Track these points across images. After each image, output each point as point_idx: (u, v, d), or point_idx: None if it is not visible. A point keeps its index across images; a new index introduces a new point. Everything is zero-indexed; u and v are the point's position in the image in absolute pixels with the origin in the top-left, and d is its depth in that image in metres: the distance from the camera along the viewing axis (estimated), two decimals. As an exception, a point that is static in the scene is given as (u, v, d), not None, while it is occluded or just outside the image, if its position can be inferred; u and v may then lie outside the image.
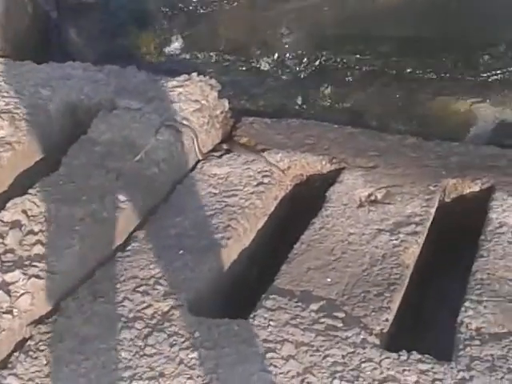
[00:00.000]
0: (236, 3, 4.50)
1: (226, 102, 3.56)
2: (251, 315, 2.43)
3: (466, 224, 3.08)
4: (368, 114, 3.92)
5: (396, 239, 2.78)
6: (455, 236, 3.10)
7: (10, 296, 2.39)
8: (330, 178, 3.25)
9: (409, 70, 4.07)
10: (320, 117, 3.82)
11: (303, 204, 3.28)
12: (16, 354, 2.30)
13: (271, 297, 2.50)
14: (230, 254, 2.82)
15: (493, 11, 4.09)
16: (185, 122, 3.29)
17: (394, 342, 2.39)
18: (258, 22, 4.50)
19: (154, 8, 4.50)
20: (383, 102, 3.99)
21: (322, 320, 2.40)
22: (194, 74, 3.57)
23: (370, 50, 4.14)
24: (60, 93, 3.49)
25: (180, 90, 3.44)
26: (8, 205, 2.81)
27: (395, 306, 2.50)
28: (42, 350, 2.31)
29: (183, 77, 3.55)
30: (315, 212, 3.06)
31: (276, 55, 4.34)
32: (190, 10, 4.57)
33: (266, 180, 3.16)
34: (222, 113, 3.52)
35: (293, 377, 2.20)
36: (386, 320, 2.41)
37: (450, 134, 3.70)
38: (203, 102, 3.42)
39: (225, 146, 3.33)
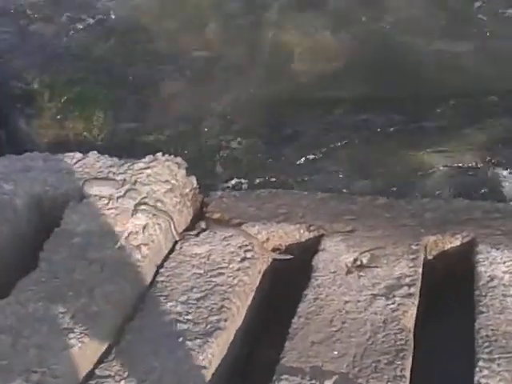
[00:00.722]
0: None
1: (193, 179, 3.53)
2: (267, 398, 2.37)
3: (450, 280, 3.11)
4: (331, 176, 3.94)
5: (393, 303, 2.78)
6: (440, 292, 3.11)
7: (15, 407, 2.26)
8: (310, 246, 3.23)
9: (364, 129, 4.10)
10: (285, 185, 3.81)
11: (286, 275, 3.25)
12: None
13: (283, 377, 2.44)
14: (229, 336, 2.77)
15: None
16: (159, 204, 3.23)
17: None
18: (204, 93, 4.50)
19: (100, 89, 4.45)
20: (342, 163, 4.01)
21: (341, 396, 2.35)
22: (159, 154, 3.54)
23: (325, 109, 4.18)
24: (23, 186, 3.40)
25: (148, 171, 3.39)
26: (-7, 309, 2.69)
27: (408, 373, 2.47)
28: None
29: (148, 158, 3.51)
30: (300, 282, 3.03)
31: (227, 124, 4.33)
32: (138, 87, 4.54)
33: (248, 255, 3.13)
34: (191, 190, 3.50)
35: None
36: (404, 388, 2.38)
37: (414, 190, 3.75)
38: (173, 181, 3.39)
39: (202, 225, 3.28)
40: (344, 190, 3.69)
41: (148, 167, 3.44)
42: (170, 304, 2.84)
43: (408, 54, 4.37)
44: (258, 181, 3.91)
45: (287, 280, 3.24)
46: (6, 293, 2.81)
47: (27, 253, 3.17)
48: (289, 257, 3.17)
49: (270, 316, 3.15)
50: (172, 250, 3.20)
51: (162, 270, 3.05)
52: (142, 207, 3.18)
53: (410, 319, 2.71)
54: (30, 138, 4.31)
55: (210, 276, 2.99)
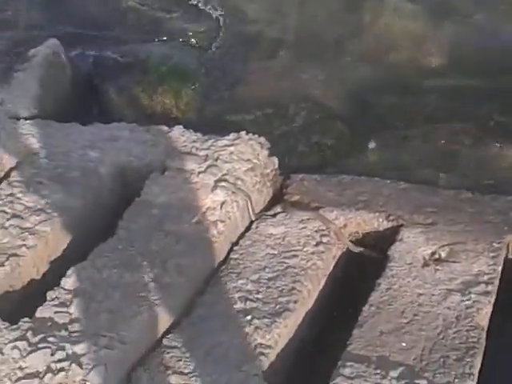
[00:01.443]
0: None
1: (275, 160, 3.52)
2: (331, 383, 2.34)
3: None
4: (417, 167, 3.85)
5: (468, 299, 2.71)
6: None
7: (82, 368, 2.31)
8: (387, 236, 3.18)
9: (453, 121, 3.99)
10: (368, 172, 3.75)
11: (361, 263, 3.21)
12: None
13: (348, 364, 2.42)
14: (298, 317, 2.75)
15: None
16: (238, 183, 3.23)
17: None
18: (295, 77, 4.46)
19: (193, 65, 4.47)
20: (430, 155, 3.92)
21: (406, 388, 2.31)
22: (243, 133, 3.53)
23: (412, 101, 4.09)
24: (109, 155, 3.45)
25: (231, 149, 3.39)
26: (69, 272, 2.75)
27: (477, 371, 2.41)
28: (120, 425, 2.22)
29: (232, 135, 3.51)
30: (375, 271, 2.99)
31: (314, 108, 4.29)
32: (228, 67, 4.54)
33: (324, 239, 3.10)
34: (272, 171, 3.48)
35: None
36: (471, 387, 2.32)
37: (502, 187, 3.63)
38: (255, 160, 3.38)
39: (279, 209, 3.26)
40: (428, 182, 3.57)
41: (231, 145, 3.44)
42: (241, 282, 2.84)
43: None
44: (341, 166, 3.83)
45: (362, 268, 3.20)
46: (86, 258, 2.86)
47: (108, 220, 3.22)
48: (360, 250, 3.12)
49: (342, 303, 3.11)
50: (248, 229, 3.20)
51: (236, 248, 3.06)
52: (222, 184, 3.19)
53: (484, 317, 2.64)
54: (119, 109, 4.37)
55: (284, 257, 2.98)
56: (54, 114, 4.01)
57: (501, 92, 3.99)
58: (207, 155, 3.37)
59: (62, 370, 2.29)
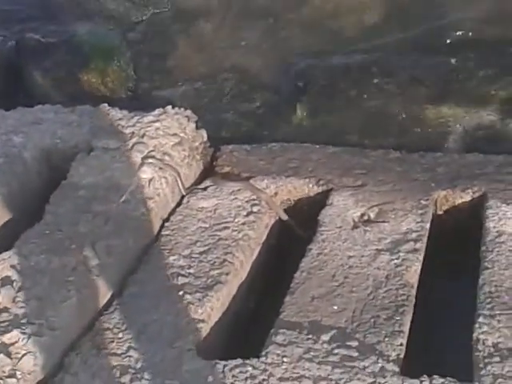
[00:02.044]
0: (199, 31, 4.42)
1: (204, 133, 3.50)
2: (263, 352, 2.35)
3: (460, 235, 3.06)
4: (346, 131, 3.86)
5: (397, 258, 2.74)
6: (450, 249, 3.06)
7: (11, 358, 2.28)
8: (319, 201, 3.19)
9: (376, 81, 4.00)
10: (298, 138, 3.75)
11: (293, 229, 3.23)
12: (25, 419, 2.19)
13: (280, 331, 2.43)
14: (231, 289, 2.76)
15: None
16: (166, 158, 3.20)
17: (410, 366, 2.33)
18: (219, 48, 4.42)
19: (117, 42, 4.40)
20: (356, 117, 3.93)
21: (336, 351, 2.34)
22: (169, 107, 3.50)
23: (346, 60, 4.09)
24: (33, 138, 3.40)
25: (157, 124, 3.36)
26: (-5, 260, 2.70)
27: (407, 328, 2.44)
28: (52, 412, 2.21)
29: (158, 111, 3.48)
30: (308, 237, 3.00)
31: (241, 78, 4.26)
32: (152, 40, 4.48)
33: (255, 209, 3.10)
34: (201, 144, 3.47)
35: (315, 415, 2.12)
36: (401, 345, 2.36)
37: (428, 144, 3.66)
38: (182, 134, 3.36)
39: (209, 182, 3.25)
40: (357, 145, 3.59)
41: (157, 120, 3.41)
42: (172, 258, 2.83)
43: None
44: (271, 135, 3.82)
45: (295, 235, 3.21)
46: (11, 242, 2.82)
47: (37, 206, 3.17)
48: (285, 218, 3.13)
49: (277, 271, 3.12)
50: (179, 204, 3.17)
51: (167, 224, 3.04)
52: (149, 160, 3.16)
53: (413, 275, 2.67)
54: (45, 92, 4.30)
55: (215, 230, 2.98)
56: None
57: (430, 50, 4.00)
58: (133, 132, 3.34)
59: (-10, 361, 2.25)
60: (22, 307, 2.49)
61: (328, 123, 3.93)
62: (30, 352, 2.31)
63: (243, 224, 3.00)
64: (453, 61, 3.92)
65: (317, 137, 3.76)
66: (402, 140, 3.77)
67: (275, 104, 4.07)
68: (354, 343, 2.36)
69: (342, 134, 3.84)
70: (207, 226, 3.01)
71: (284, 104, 4.02)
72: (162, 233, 2.98)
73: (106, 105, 3.60)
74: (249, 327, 2.90)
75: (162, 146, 3.26)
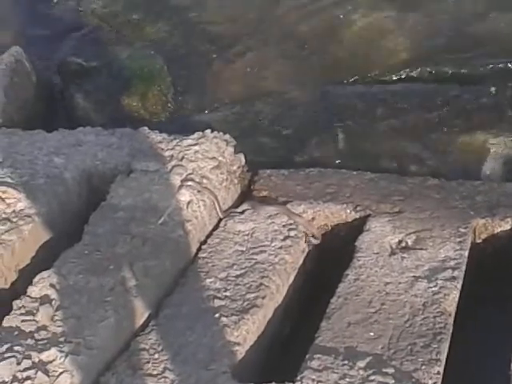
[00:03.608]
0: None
1: (242, 157, 3.52)
2: (298, 377, 2.35)
3: (499, 264, 3.03)
4: (383, 157, 3.86)
5: (434, 286, 2.72)
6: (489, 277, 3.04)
7: (48, 376, 2.30)
8: (356, 226, 3.18)
9: (414, 109, 4.00)
10: (335, 163, 3.77)
11: (330, 254, 3.22)
12: None
13: (316, 356, 2.42)
14: (266, 313, 2.76)
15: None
16: (204, 181, 3.23)
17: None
18: (261, 73, 4.46)
19: (158, 66, 4.46)
20: (394, 144, 3.93)
21: (372, 377, 2.33)
22: (208, 131, 3.53)
23: (376, 91, 4.10)
24: (74, 160, 3.44)
25: (196, 148, 3.39)
26: (35, 279, 2.74)
27: (444, 357, 2.42)
28: (89, 431, 2.21)
29: (197, 134, 3.50)
30: (344, 262, 3.00)
31: (279, 103, 4.29)
32: (192, 64, 4.53)
33: (292, 233, 3.10)
34: (239, 168, 3.48)
35: None
36: (438, 373, 2.34)
37: (466, 172, 3.65)
38: (220, 158, 3.38)
39: (247, 206, 3.26)
40: (394, 171, 3.58)
41: (196, 144, 3.44)
42: (209, 280, 2.84)
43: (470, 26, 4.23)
44: (308, 159, 3.83)
45: (333, 261, 3.21)
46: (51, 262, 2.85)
47: (76, 226, 3.21)
48: (316, 242, 3.13)
49: (314, 296, 3.11)
50: (216, 227, 3.19)
51: (204, 247, 3.05)
52: (188, 183, 3.18)
53: (451, 303, 2.65)
54: (85, 114, 4.35)
55: (252, 253, 2.98)
56: (19, 122, 4.01)
57: (463, 79, 4.00)
58: (172, 155, 3.37)
59: (28, 378, 2.28)
60: (59, 326, 2.52)
61: (365, 149, 3.93)
62: (67, 370, 2.33)
63: (280, 248, 3.01)
64: (492, 89, 3.90)
65: (354, 163, 3.75)
66: (440, 168, 3.75)
67: (312, 129, 4.08)
68: (391, 370, 2.35)
69: (378, 161, 3.84)
70: (244, 249, 3.02)
71: (321, 130, 4.03)
72: (199, 255, 3.00)
73: (145, 128, 3.64)
74: (283, 352, 2.88)
75: (201, 169, 3.28)
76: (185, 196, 3.13)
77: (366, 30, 4.48)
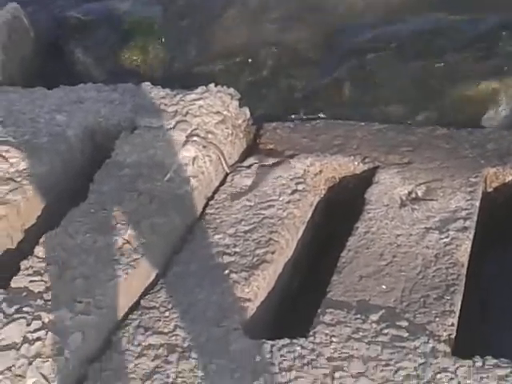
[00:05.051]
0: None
1: (247, 111, 3.46)
2: (310, 332, 2.32)
3: (510, 213, 2.99)
4: (390, 107, 3.79)
5: (446, 237, 2.68)
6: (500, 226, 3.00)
7: (59, 336, 2.27)
8: (365, 179, 3.14)
9: (424, 57, 3.92)
10: (341, 114, 3.70)
11: (338, 207, 3.18)
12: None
13: (328, 311, 2.39)
14: (277, 268, 2.72)
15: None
16: (209, 136, 3.17)
17: (461, 346, 2.28)
18: (261, 23, 4.36)
19: (158, 19, 4.37)
20: (401, 94, 3.86)
21: (386, 331, 2.30)
22: (212, 85, 3.46)
23: (380, 39, 4.01)
24: (76, 117, 3.38)
25: (200, 102, 3.32)
26: (41, 239, 2.70)
27: (457, 308, 2.39)
28: (101, 391, 2.20)
29: (201, 89, 3.44)
30: (353, 215, 2.96)
31: (284, 53, 4.20)
32: (193, 15, 4.44)
33: (300, 187, 3.05)
34: (244, 121, 3.42)
35: (367, 395, 2.09)
36: (452, 325, 2.31)
37: (472, 121, 3.59)
38: (225, 112, 3.32)
39: (252, 160, 3.21)
40: (402, 121, 3.52)
41: (200, 98, 3.37)
42: (217, 236, 2.80)
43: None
44: (313, 111, 3.77)
45: (341, 213, 3.17)
46: (56, 221, 2.81)
47: (81, 185, 3.17)
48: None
49: (322, 250, 3.08)
50: (223, 183, 3.14)
51: (211, 203, 3.01)
52: (193, 139, 3.12)
53: (463, 253, 2.61)
54: (85, 69, 4.28)
55: (260, 208, 2.94)
56: (19, 79, 3.93)
57: (473, 28, 3.91)
58: (176, 111, 3.31)
59: (38, 339, 2.26)
60: (68, 286, 2.48)
61: (371, 100, 3.85)
62: (78, 330, 2.29)
63: (288, 202, 2.96)
64: (502, 33, 3.82)
65: (360, 113, 3.69)
66: (448, 116, 3.68)
67: (318, 80, 4.00)
68: (404, 323, 2.32)
69: (385, 111, 3.77)
70: (252, 204, 2.97)
71: (327, 80, 3.95)
72: (207, 211, 2.96)
73: (148, 83, 3.57)
74: (293, 307, 2.86)
75: (205, 124, 3.22)
76: (190, 152, 3.08)
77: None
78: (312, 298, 2.62)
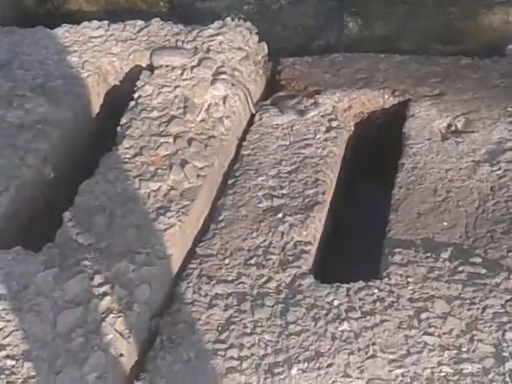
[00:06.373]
0: None
1: (265, 46, 3.34)
2: (383, 273, 2.26)
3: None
4: (400, 37, 3.69)
5: (498, 169, 2.63)
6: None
7: (126, 290, 2.16)
8: (396, 113, 3.06)
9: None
10: (352, 47, 3.59)
11: (370, 143, 3.11)
12: (151, 353, 2.09)
13: (396, 251, 2.33)
14: (326, 209, 2.64)
15: None
16: (236, 73, 3.04)
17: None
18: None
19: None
20: (417, 25, 3.75)
21: (461, 268, 2.25)
22: (229, 19, 3.33)
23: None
24: (88, 57, 3.20)
25: (220, 38, 3.19)
26: (81, 188, 2.57)
27: (526, 241, 2.35)
28: (179, 344, 2.10)
29: (217, 23, 3.30)
30: (388, 151, 2.89)
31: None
32: None
33: (334, 124, 2.96)
34: (262, 57, 3.30)
35: (458, 336, 2.04)
36: (526, 258, 2.27)
37: (493, 49, 3.51)
38: (246, 48, 3.19)
39: (278, 97, 3.09)
40: (419, 53, 3.43)
41: (218, 34, 3.24)
42: (261, 178, 2.70)
43: None
44: (327, 45, 3.65)
45: (373, 149, 3.10)
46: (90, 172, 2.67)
47: (100, 128, 3.03)
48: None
49: (359, 186, 3.01)
50: (251, 122, 3.03)
51: (245, 144, 2.90)
52: (221, 77, 2.99)
53: (518, 185, 2.57)
54: (78, 7, 4.06)
55: (298, 148, 2.84)
56: (13, 19, 3.70)
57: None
58: (196, 47, 3.16)
59: (105, 294, 2.14)
60: (121, 236, 2.36)
61: (384, 31, 3.75)
62: (144, 282, 2.19)
63: (326, 140, 2.87)
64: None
65: (372, 46, 3.58)
66: (465, 46, 3.60)
67: (325, 12, 3.87)
68: (478, 259, 2.27)
69: (397, 42, 3.67)
70: (288, 143, 2.87)
71: (338, 12, 3.82)
72: (243, 153, 2.85)
73: (158, 19, 3.41)
74: (339, 247, 2.80)
75: (229, 60, 3.10)
76: (220, 90, 2.96)
77: None
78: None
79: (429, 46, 3.65)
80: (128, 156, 2.68)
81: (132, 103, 2.94)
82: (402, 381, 1.95)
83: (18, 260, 2.27)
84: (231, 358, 2.06)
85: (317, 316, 2.14)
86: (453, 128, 2.88)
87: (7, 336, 2.04)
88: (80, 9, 4.06)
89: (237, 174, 2.75)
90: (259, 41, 3.31)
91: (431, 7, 3.80)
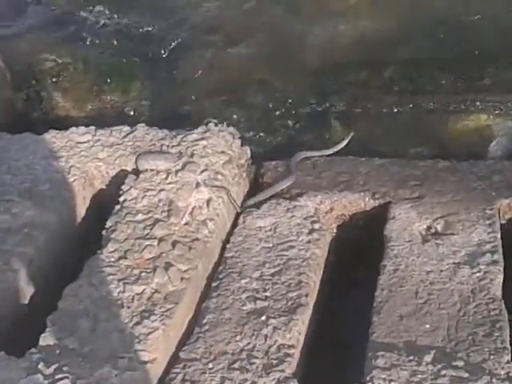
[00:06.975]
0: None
1: (248, 150, 3.41)
2: (367, 377, 2.26)
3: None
4: (381, 141, 3.80)
5: (478, 271, 2.67)
6: None
7: None
8: (376, 215, 3.12)
9: (413, 92, 3.95)
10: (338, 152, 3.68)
11: (350, 245, 3.15)
12: None
13: (379, 354, 2.34)
14: (309, 312, 2.66)
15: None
16: (219, 177, 3.11)
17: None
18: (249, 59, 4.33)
19: (137, 59, 4.29)
20: (393, 128, 3.87)
21: (444, 372, 2.26)
22: (212, 124, 3.41)
23: (372, 75, 4.03)
24: (75, 162, 3.26)
25: (203, 142, 3.26)
26: (65, 292, 2.58)
27: (508, 344, 2.37)
28: None
29: (201, 128, 3.38)
30: (368, 252, 2.93)
31: (273, 91, 4.17)
32: (172, 55, 4.38)
33: (316, 226, 3.01)
34: (246, 161, 3.37)
35: None
36: (508, 362, 2.28)
37: (469, 153, 3.62)
38: (229, 152, 3.26)
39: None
40: (399, 156, 3.52)
41: (202, 138, 3.31)
42: (244, 281, 2.72)
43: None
44: (309, 148, 3.73)
45: (354, 251, 3.14)
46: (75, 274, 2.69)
47: (86, 232, 3.06)
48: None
49: (341, 288, 3.04)
50: (235, 224, 3.07)
51: (229, 246, 2.94)
52: (203, 180, 3.05)
53: (498, 287, 2.61)
54: (66, 112, 4.16)
55: (281, 250, 2.87)
56: (4, 123, 3.78)
57: (461, 61, 3.96)
58: (180, 152, 3.23)
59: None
60: (105, 341, 2.36)
61: (363, 135, 3.85)
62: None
63: (308, 242, 2.91)
64: (490, 70, 3.89)
65: (355, 150, 3.67)
66: (441, 150, 3.71)
67: (305, 118, 3.99)
68: (460, 363, 2.28)
69: (378, 146, 3.76)
70: (271, 245, 2.91)
71: (318, 117, 3.93)
72: (226, 255, 2.88)
73: (143, 124, 3.50)
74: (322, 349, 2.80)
75: (213, 164, 3.16)
76: (203, 194, 3.01)
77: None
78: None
79: (407, 150, 3.73)
80: (112, 259, 2.71)
81: (117, 207, 2.99)
82: None
83: (1, 366, 2.26)
84: None
85: (300, 422, 2.13)
86: (432, 230, 2.93)
87: None
88: (68, 114, 4.14)
89: (220, 276, 2.78)
90: (242, 145, 3.37)
91: (409, 111, 3.91)
